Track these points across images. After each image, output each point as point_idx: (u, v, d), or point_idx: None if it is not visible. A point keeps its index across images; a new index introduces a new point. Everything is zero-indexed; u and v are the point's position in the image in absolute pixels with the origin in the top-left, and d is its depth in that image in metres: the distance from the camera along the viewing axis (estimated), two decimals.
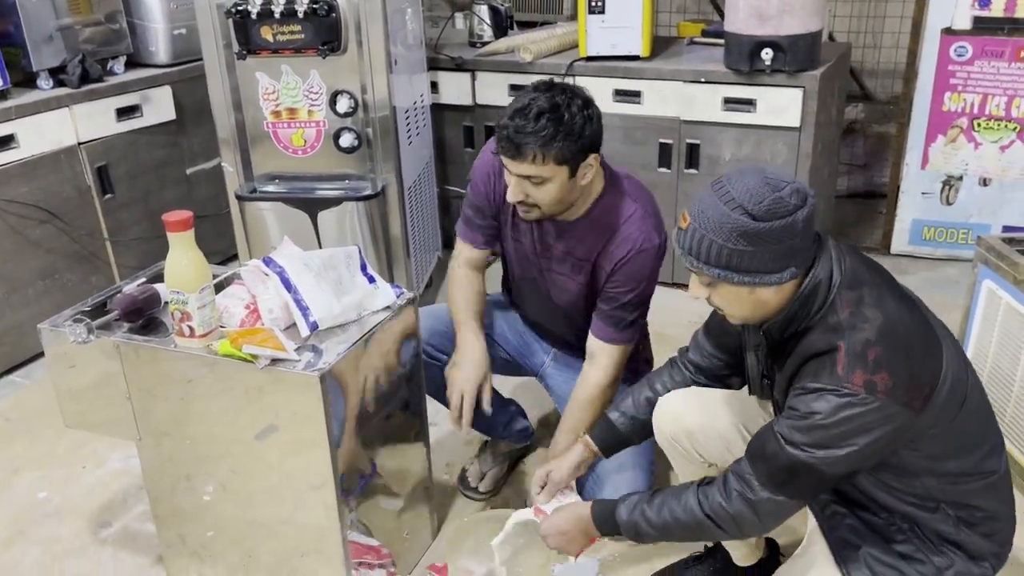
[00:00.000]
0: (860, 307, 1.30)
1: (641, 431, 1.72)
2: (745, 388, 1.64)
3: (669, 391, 1.69)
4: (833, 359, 1.27)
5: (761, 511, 1.36)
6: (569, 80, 3.06)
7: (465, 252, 2.02)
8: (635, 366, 2.04)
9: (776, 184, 1.27)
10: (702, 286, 1.36)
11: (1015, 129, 3.17)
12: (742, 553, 1.80)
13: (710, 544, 1.87)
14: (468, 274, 2.01)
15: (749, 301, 1.34)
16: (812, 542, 1.50)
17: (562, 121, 1.63)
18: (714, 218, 1.27)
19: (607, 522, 1.53)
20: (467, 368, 1.89)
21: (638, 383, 1.75)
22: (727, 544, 1.81)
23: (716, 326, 1.64)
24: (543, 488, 1.73)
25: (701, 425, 1.63)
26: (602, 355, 1.87)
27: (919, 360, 1.29)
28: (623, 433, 1.72)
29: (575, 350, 2.05)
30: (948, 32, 3.17)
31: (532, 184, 1.69)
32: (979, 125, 3.23)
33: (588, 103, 1.69)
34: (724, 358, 1.65)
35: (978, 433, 1.38)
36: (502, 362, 2.12)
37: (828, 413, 1.25)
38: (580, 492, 1.99)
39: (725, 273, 1.29)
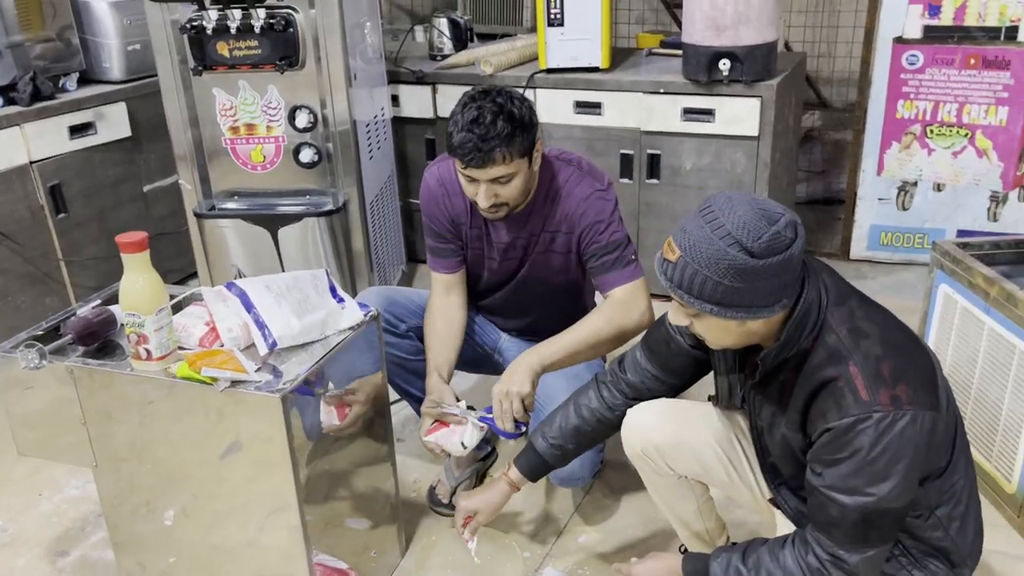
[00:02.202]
0: (855, 322, 1.29)
1: (564, 460, 1.73)
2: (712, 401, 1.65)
3: (599, 419, 1.67)
4: (852, 385, 1.24)
5: (861, 572, 1.31)
6: (530, 92, 3.07)
7: (439, 282, 2.04)
8: None
9: (771, 216, 1.23)
10: (686, 315, 1.32)
11: (966, 135, 3.24)
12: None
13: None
14: (444, 303, 2.02)
15: (736, 332, 1.32)
16: None
17: (514, 118, 1.74)
18: (707, 253, 1.22)
19: None
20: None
21: (563, 406, 1.73)
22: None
23: (661, 348, 1.61)
24: (465, 524, 1.73)
25: (672, 441, 1.61)
26: (626, 295, 1.88)
27: (919, 360, 1.30)
28: (549, 463, 1.72)
29: (532, 335, 2.10)
30: (899, 41, 3.23)
31: (501, 184, 1.78)
32: (932, 132, 3.29)
33: (522, 97, 1.81)
34: (669, 380, 1.63)
35: (956, 418, 1.38)
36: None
37: (871, 444, 1.23)
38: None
39: (717, 309, 1.25)
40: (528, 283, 2.03)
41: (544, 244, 1.95)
